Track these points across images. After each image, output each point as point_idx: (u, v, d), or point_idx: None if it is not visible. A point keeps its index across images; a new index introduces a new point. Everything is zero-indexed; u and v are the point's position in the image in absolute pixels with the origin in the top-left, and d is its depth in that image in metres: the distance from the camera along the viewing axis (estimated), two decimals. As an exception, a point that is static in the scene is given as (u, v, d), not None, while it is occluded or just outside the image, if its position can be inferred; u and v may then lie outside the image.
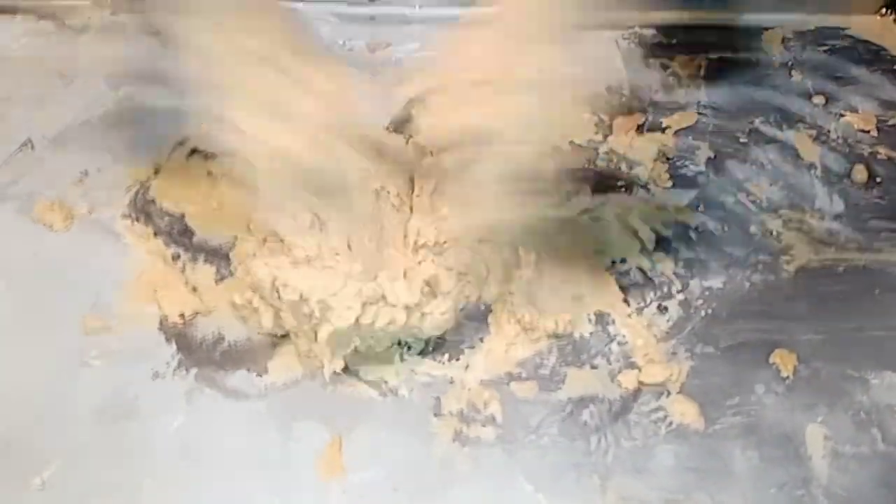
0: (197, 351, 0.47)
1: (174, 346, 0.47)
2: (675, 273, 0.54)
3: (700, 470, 0.43)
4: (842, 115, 0.67)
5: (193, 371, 0.46)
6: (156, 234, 0.54)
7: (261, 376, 0.46)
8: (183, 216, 0.56)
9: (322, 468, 0.42)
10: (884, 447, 0.44)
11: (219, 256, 0.53)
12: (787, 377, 0.48)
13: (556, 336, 0.49)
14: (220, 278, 0.52)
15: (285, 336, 0.48)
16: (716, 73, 0.71)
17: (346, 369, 0.46)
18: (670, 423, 0.45)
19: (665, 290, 0.52)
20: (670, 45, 0.74)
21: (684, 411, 0.45)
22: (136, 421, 0.44)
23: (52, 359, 0.47)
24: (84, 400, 0.45)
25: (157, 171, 0.59)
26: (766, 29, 0.76)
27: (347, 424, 0.44)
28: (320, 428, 0.44)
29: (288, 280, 0.44)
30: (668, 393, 0.46)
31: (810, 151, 0.64)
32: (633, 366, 0.48)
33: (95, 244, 0.54)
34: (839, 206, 0.60)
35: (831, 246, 0.56)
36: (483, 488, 0.42)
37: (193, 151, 0.61)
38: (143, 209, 0.56)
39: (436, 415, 0.45)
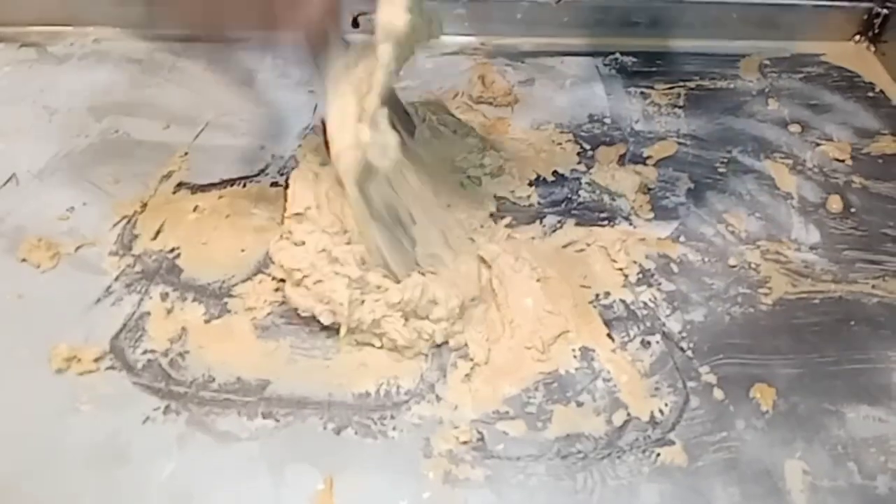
0: (187, 394, 0.48)
1: (165, 390, 0.48)
2: (657, 306, 0.55)
3: (683, 508, 0.44)
4: (817, 144, 0.69)
5: (184, 415, 0.46)
6: (143, 272, 0.55)
7: (251, 419, 0.47)
8: (170, 253, 0.56)
9: (314, 511, 0.43)
10: (860, 480, 0.46)
11: (207, 295, 0.53)
12: (767, 412, 0.49)
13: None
14: (209, 318, 0.52)
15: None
16: (695, 101, 0.73)
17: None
18: (654, 461, 0.46)
19: (648, 324, 0.53)
20: (650, 72, 0.75)
21: (668, 448, 0.46)
22: (128, 467, 0.44)
23: (41, 404, 0.47)
24: (74, 446, 0.45)
25: (143, 207, 0.59)
26: (744, 56, 0.78)
27: (339, 467, 0.45)
28: (312, 470, 0.44)
29: None
30: (653, 430, 0.47)
31: (787, 181, 0.65)
32: (617, 402, 0.49)
33: (83, 282, 0.54)
34: (815, 236, 0.61)
35: (807, 277, 0.57)
36: (473, 529, 0.43)
37: (180, 185, 0.62)
38: (129, 246, 0.56)
39: (426, 456, 0.45)
